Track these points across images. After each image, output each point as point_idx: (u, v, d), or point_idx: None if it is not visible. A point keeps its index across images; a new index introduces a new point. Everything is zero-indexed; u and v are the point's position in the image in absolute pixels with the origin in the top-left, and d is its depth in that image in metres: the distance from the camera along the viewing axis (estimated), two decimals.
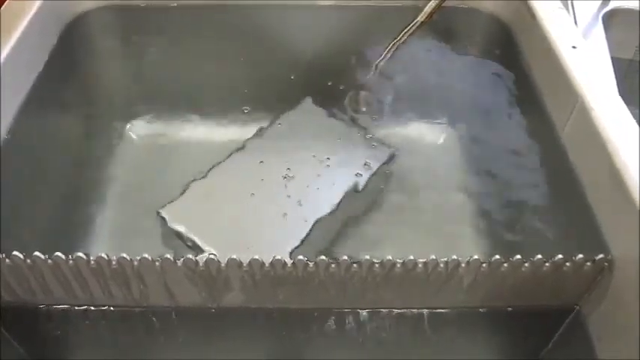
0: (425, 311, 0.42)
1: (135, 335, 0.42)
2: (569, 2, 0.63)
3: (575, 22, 0.62)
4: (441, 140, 0.57)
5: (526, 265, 0.38)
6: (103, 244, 0.48)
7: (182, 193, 0.50)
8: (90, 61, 0.60)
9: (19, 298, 0.40)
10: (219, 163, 0.53)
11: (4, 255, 0.37)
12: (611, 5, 0.68)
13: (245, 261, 0.37)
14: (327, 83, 0.60)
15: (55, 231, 0.48)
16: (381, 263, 0.37)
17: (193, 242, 0.47)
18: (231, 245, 0.46)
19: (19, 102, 0.49)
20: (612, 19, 0.69)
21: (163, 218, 0.48)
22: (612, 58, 0.62)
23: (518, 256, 0.37)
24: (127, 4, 0.59)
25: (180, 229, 0.47)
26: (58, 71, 0.54)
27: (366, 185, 0.51)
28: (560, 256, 0.37)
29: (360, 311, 0.41)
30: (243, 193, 0.50)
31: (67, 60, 0.56)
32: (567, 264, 0.38)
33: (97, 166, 0.54)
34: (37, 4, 0.52)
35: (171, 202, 0.49)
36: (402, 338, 0.42)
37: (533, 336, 0.42)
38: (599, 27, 0.66)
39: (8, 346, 0.40)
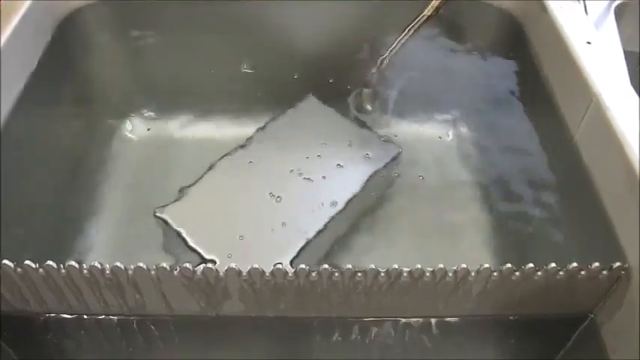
0: (432, 320, 0.40)
1: (132, 344, 0.40)
2: None
3: (587, 16, 0.60)
4: (449, 139, 0.55)
5: (539, 273, 0.36)
6: (100, 246, 0.47)
7: (180, 194, 0.48)
8: (85, 58, 0.58)
9: (13, 306, 0.39)
10: (219, 162, 0.51)
11: None
12: None
13: (244, 270, 0.36)
14: (331, 80, 0.58)
15: (51, 232, 0.47)
16: (387, 272, 0.36)
17: (190, 245, 0.45)
18: (230, 248, 0.45)
19: (13, 101, 0.48)
20: (623, 12, 0.67)
21: (161, 219, 0.47)
22: (623, 51, 0.60)
23: (531, 265, 0.36)
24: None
25: (179, 230, 0.46)
26: (53, 69, 0.53)
27: (371, 185, 0.50)
28: (574, 264, 0.36)
29: (365, 320, 0.40)
30: (244, 194, 0.49)
31: (61, 57, 0.55)
32: (582, 272, 0.36)
33: (93, 166, 0.53)
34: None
35: (170, 203, 0.48)
36: (408, 348, 0.40)
37: (544, 344, 0.41)
38: (611, 20, 0.64)
39: (4, 355, 0.39)
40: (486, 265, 0.36)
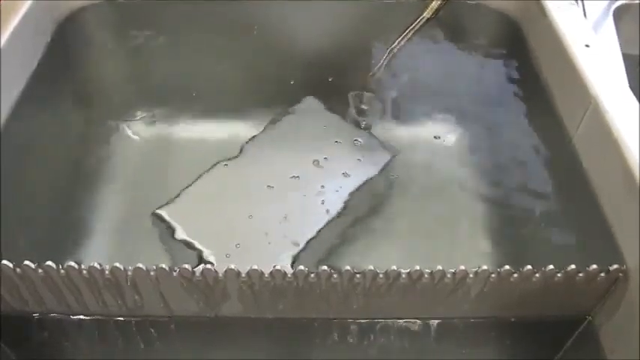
0: (430, 321, 0.40)
1: (131, 344, 0.40)
2: None
3: (585, 18, 0.60)
4: (448, 142, 0.55)
5: (537, 275, 0.36)
6: (100, 246, 0.47)
7: (180, 194, 0.48)
8: (85, 59, 0.58)
9: (12, 307, 0.39)
10: (218, 163, 0.51)
11: None
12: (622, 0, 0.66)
13: (243, 271, 0.36)
14: (329, 81, 0.58)
15: (52, 232, 0.47)
16: (386, 273, 0.36)
17: (189, 244, 0.45)
18: (229, 249, 0.45)
19: (13, 101, 0.48)
20: (622, 15, 0.67)
21: (160, 219, 0.47)
22: (622, 54, 0.60)
23: (529, 267, 0.36)
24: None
25: (178, 230, 0.46)
26: (53, 69, 0.53)
27: (369, 187, 0.50)
28: (572, 266, 0.36)
29: (363, 322, 0.40)
30: (243, 195, 0.49)
31: (61, 58, 0.55)
32: (580, 274, 0.36)
33: (92, 166, 0.53)
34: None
35: (169, 202, 0.48)
36: (406, 349, 0.40)
37: (542, 346, 0.41)
38: (610, 23, 0.64)
39: (3, 355, 0.39)
40: (485, 267, 0.36)
